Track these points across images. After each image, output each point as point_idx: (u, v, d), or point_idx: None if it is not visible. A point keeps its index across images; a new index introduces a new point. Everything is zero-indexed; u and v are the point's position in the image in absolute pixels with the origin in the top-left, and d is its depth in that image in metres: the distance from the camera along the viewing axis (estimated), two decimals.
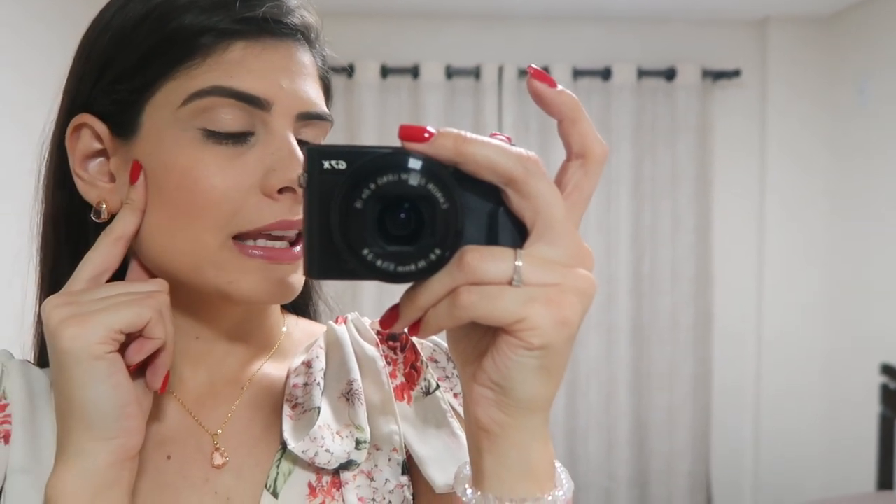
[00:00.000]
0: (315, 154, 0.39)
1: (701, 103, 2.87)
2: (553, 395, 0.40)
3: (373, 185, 0.37)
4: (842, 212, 2.87)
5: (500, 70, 2.84)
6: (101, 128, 0.54)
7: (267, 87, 0.52)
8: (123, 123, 0.53)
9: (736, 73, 2.89)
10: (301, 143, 0.54)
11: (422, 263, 0.37)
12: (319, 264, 0.40)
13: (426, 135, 0.38)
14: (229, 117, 0.51)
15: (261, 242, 0.52)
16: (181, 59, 0.51)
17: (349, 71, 2.80)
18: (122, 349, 0.49)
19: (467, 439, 0.44)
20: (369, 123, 2.81)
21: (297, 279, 0.54)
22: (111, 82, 0.53)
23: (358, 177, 0.38)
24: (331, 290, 0.71)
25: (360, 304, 2.77)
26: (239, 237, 0.52)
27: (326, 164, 0.39)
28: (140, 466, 0.54)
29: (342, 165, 0.38)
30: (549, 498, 0.41)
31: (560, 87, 0.40)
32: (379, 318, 0.43)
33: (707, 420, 2.96)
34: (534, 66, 0.41)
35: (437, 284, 0.38)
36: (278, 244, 0.53)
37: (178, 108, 0.51)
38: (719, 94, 2.94)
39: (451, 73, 2.82)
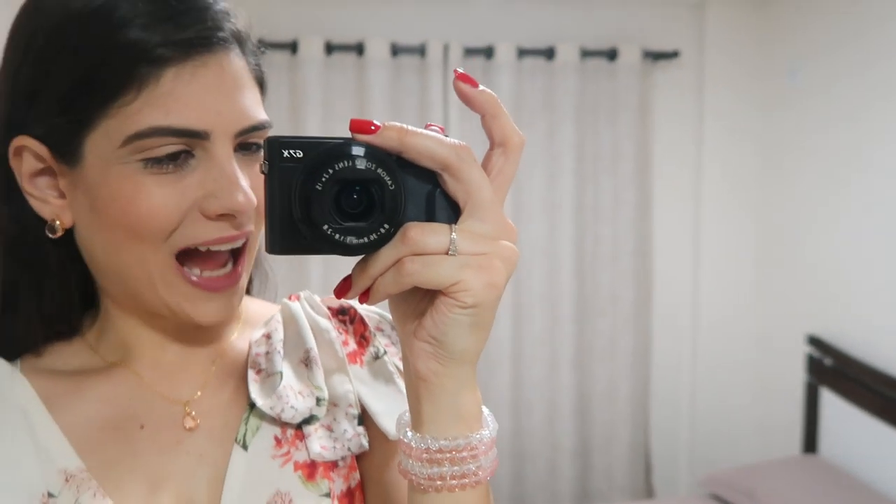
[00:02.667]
0: (275, 144, 0.44)
1: (641, 83, 2.94)
2: (481, 348, 0.47)
3: (330, 170, 0.43)
4: (774, 190, 2.99)
5: (446, 48, 2.84)
6: (41, 150, 0.55)
7: (203, 116, 0.53)
8: (65, 152, 0.55)
9: (675, 54, 2.96)
10: (243, 148, 0.57)
11: (373, 236, 0.44)
12: (281, 241, 0.45)
13: (373, 127, 0.44)
14: (169, 149, 0.53)
15: (195, 272, 0.56)
16: (114, 96, 0.52)
17: (293, 47, 2.76)
18: None
19: (407, 389, 0.51)
20: (314, 101, 2.78)
21: (238, 300, 0.60)
22: (46, 112, 0.54)
23: (316, 163, 0.43)
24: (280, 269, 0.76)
25: (307, 281, 2.76)
26: (181, 255, 0.56)
27: (286, 153, 0.44)
28: (115, 438, 0.59)
29: (299, 154, 0.44)
30: (477, 436, 0.48)
31: (481, 87, 0.47)
32: (333, 289, 0.49)
33: (646, 391, 3.07)
34: (458, 69, 0.47)
35: (384, 256, 0.45)
36: (217, 272, 0.57)
37: (119, 147, 0.53)
38: (659, 74, 3.02)
39: (396, 50, 2.81)
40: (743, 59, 3.01)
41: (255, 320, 0.70)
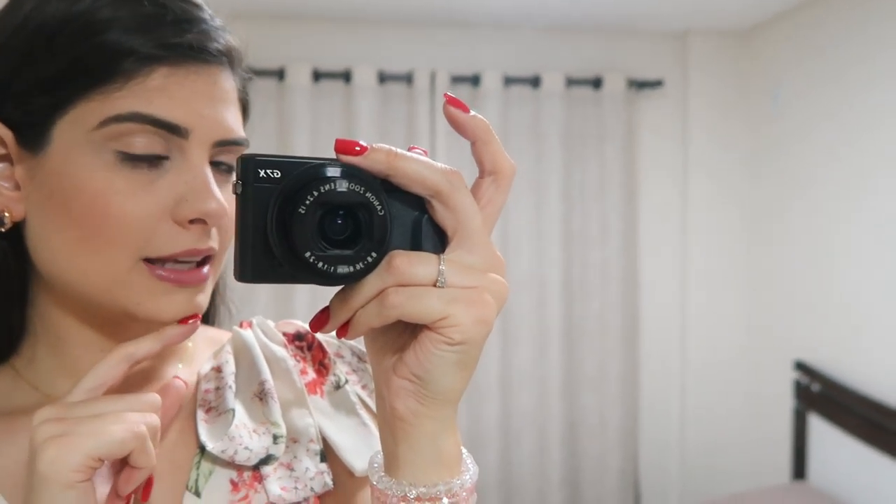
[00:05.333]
0: (250, 163, 0.41)
1: (626, 111, 2.97)
2: (465, 388, 0.44)
3: (315, 193, 0.39)
4: (757, 216, 3.01)
5: (433, 76, 2.86)
6: (5, 134, 0.53)
7: (187, 115, 0.51)
8: (31, 136, 0.52)
9: (659, 83, 3.00)
10: (215, 165, 0.54)
11: (360, 265, 0.41)
12: (253, 268, 0.41)
13: (357, 148, 0.41)
14: (145, 142, 0.50)
15: (168, 265, 0.52)
16: (100, 81, 0.50)
17: (280, 74, 2.77)
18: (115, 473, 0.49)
19: (381, 429, 0.47)
20: (301, 128, 2.78)
21: (203, 299, 0.55)
22: (22, 92, 0.52)
23: (297, 185, 0.40)
24: (233, 295, 0.71)
25: (292, 308, 2.74)
26: (148, 260, 0.52)
27: (262, 173, 0.41)
28: None
29: (277, 174, 0.41)
30: (458, 481, 0.45)
31: (472, 113, 0.44)
32: (309, 322, 0.45)
33: (635, 420, 3.05)
34: (449, 93, 0.45)
35: (368, 286, 0.42)
36: (185, 266, 0.53)
37: (93, 130, 0.50)
38: (644, 102, 3.05)
39: (383, 77, 2.83)
40: (726, 87, 3.06)
41: (203, 352, 0.65)
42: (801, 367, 2.69)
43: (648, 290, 3.08)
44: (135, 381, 0.59)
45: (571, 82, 2.93)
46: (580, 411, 3.00)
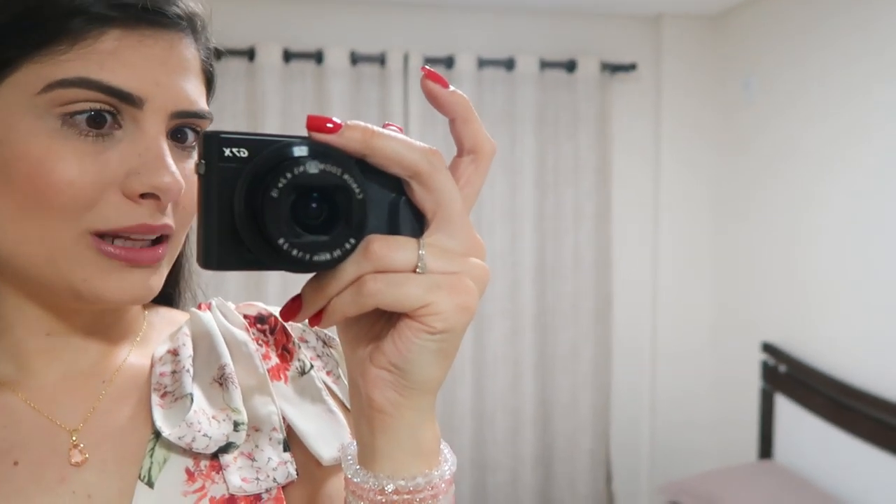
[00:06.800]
0: (214, 141, 0.38)
1: (600, 95, 2.97)
2: (445, 377, 0.42)
3: (288, 175, 0.37)
4: (727, 200, 3.05)
5: (406, 57, 2.83)
6: None
7: (141, 82, 0.48)
8: None
9: (632, 67, 3.00)
10: (173, 138, 0.51)
11: (337, 253, 0.38)
12: (219, 254, 0.38)
13: (330, 125, 0.38)
14: (95, 111, 0.47)
15: (119, 242, 0.49)
16: (46, 42, 0.47)
17: (250, 54, 2.72)
18: None
19: (356, 420, 0.45)
20: (272, 109, 2.73)
21: (157, 281, 0.52)
22: None
23: (268, 165, 0.37)
24: (200, 280, 0.68)
25: (264, 294, 2.71)
26: (97, 234, 0.49)
27: (227, 152, 0.38)
28: None
29: (244, 153, 0.38)
30: (437, 473, 0.44)
31: (452, 88, 0.42)
32: (280, 310, 0.43)
33: (606, 400, 3.09)
34: (427, 66, 0.42)
35: (344, 273, 0.39)
36: (138, 244, 0.50)
37: (37, 94, 0.47)
38: (617, 86, 3.06)
39: (355, 59, 2.79)
40: (698, 72, 3.07)
41: (159, 334, 0.61)
42: (768, 348, 2.74)
43: (620, 273, 3.10)
44: (85, 367, 0.56)
45: (545, 65, 2.92)
46: (553, 392, 3.03)
